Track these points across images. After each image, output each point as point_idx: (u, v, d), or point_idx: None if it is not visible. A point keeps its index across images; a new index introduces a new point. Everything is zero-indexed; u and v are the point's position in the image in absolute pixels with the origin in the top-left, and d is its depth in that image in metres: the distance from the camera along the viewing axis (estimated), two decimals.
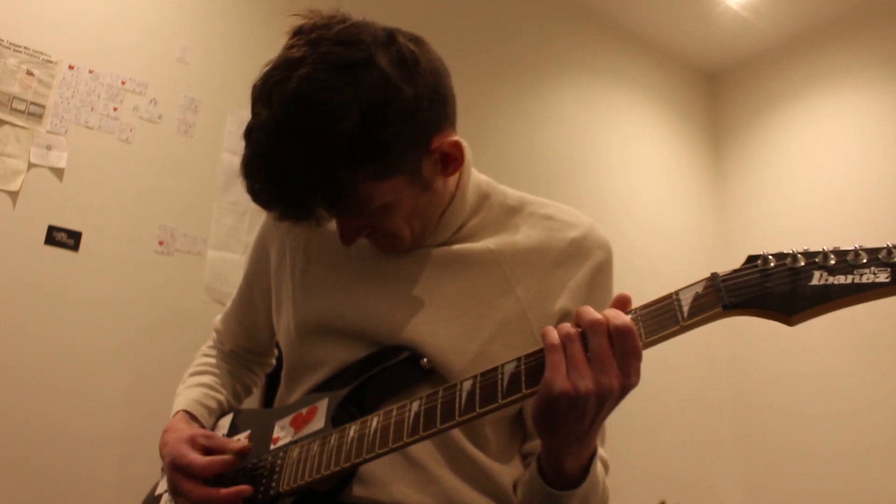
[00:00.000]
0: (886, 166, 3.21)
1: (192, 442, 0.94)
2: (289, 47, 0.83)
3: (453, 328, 0.93)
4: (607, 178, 3.52)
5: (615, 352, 0.69)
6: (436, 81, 0.87)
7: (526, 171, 3.22)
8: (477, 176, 1.03)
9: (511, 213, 1.01)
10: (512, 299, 0.95)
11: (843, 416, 3.10)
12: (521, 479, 0.92)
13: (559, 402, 0.70)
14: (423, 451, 0.89)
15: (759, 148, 3.78)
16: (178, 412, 1.06)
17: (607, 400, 0.69)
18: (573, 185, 3.37)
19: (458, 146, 0.90)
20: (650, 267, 3.41)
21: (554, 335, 0.71)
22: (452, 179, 0.98)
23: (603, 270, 0.99)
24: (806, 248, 0.65)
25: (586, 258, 0.98)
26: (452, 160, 0.91)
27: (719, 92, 4.06)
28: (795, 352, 3.30)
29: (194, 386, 1.12)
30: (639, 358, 0.69)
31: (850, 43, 3.47)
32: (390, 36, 0.84)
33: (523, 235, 0.98)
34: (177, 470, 0.92)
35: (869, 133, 3.31)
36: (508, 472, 0.95)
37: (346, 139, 0.79)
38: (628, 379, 0.69)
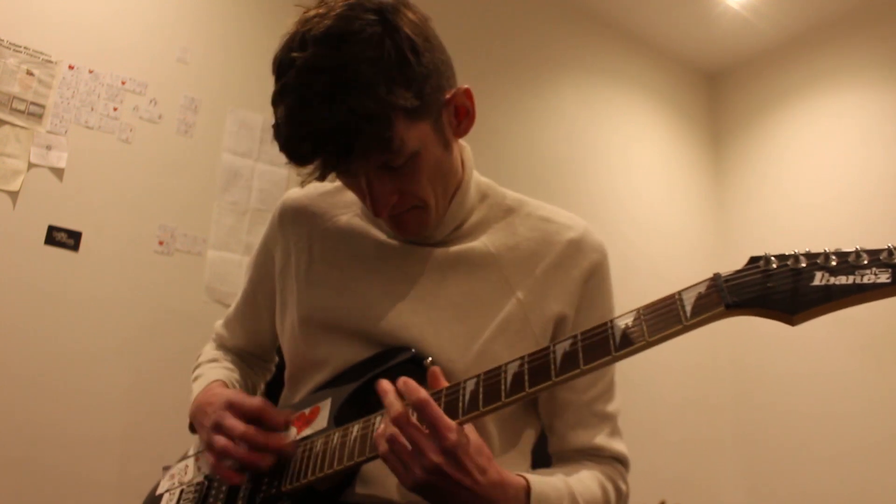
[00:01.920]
0: (886, 166, 3.21)
1: (232, 406, 0.93)
2: (306, 17, 0.85)
3: (455, 328, 0.93)
4: (607, 179, 3.52)
5: (424, 426, 0.75)
6: (441, 43, 0.92)
7: (526, 171, 3.22)
8: (477, 176, 1.04)
9: (509, 214, 1.03)
10: (513, 301, 0.96)
11: (843, 416, 3.10)
12: None
13: (419, 492, 0.76)
14: None
15: (759, 148, 3.78)
16: (213, 381, 1.06)
17: (444, 471, 0.74)
18: (573, 185, 3.38)
19: (469, 95, 0.94)
20: (650, 267, 3.41)
21: (382, 446, 0.77)
22: (458, 164, 0.99)
23: (598, 272, 1.00)
24: (808, 249, 0.65)
25: (583, 259, 0.99)
26: (464, 113, 0.94)
27: (719, 92, 4.06)
28: (796, 352, 3.30)
29: (219, 367, 1.12)
30: (442, 421, 0.74)
31: (850, 43, 3.47)
32: (402, 1, 0.89)
33: (522, 238, 1.00)
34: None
35: (869, 133, 3.31)
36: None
37: (384, 64, 0.82)
38: (443, 442, 0.73)
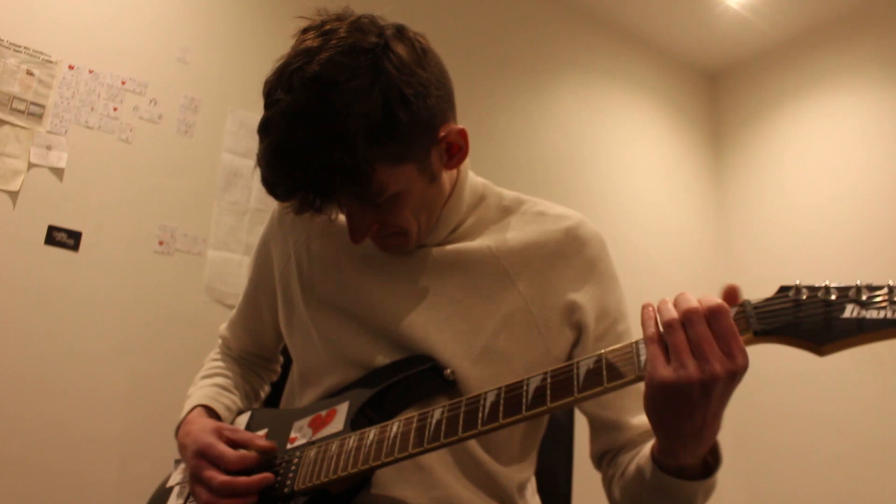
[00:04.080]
0: (887, 166, 3.21)
1: (219, 433, 0.93)
2: (301, 41, 0.85)
3: (458, 325, 0.94)
4: (607, 179, 3.52)
5: (715, 336, 0.66)
6: (441, 72, 0.91)
7: (526, 171, 3.22)
8: (473, 178, 1.04)
9: (506, 213, 1.03)
10: (514, 294, 0.96)
11: (843, 416, 3.10)
12: (626, 474, 0.88)
13: (662, 393, 0.67)
14: (432, 455, 0.89)
15: (759, 148, 3.77)
16: (196, 407, 1.05)
17: (713, 388, 0.65)
18: (573, 185, 3.38)
19: (463, 135, 0.93)
20: (650, 267, 3.41)
21: (651, 327, 0.69)
22: (450, 178, 0.99)
23: (602, 258, 1.00)
24: (839, 283, 0.66)
25: (582, 246, 0.99)
26: (457, 150, 0.93)
27: (719, 92, 4.06)
28: (796, 352, 3.29)
29: (208, 386, 1.11)
30: (737, 337, 0.66)
31: (850, 43, 3.47)
32: (400, 27, 0.88)
33: (520, 232, 1.00)
34: (203, 458, 0.90)
35: (869, 133, 3.31)
36: (514, 476, 0.96)
37: (368, 118, 0.81)
38: (734, 361, 0.65)
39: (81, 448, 2.12)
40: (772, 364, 3.42)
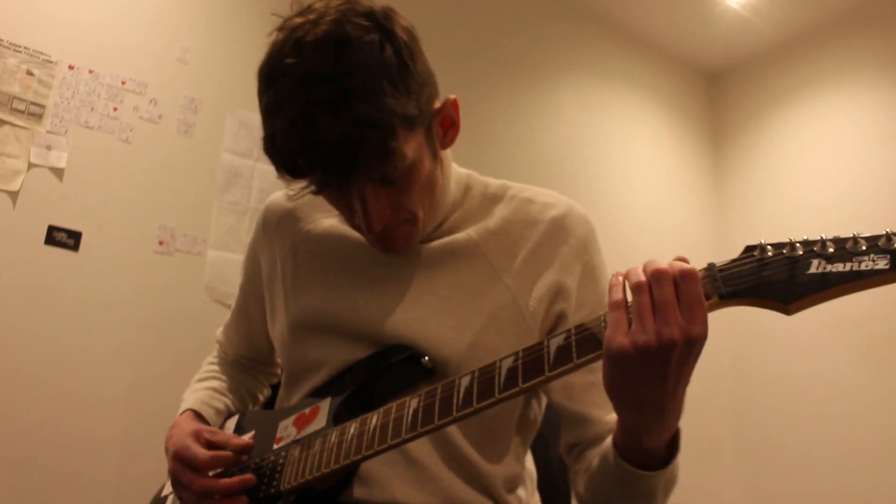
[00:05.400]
0: (886, 166, 3.21)
1: (197, 436, 0.94)
2: (290, 25, 0.82)
3: (445, 321, 0.93)
4: (607, 178, 3.52)
5: (680, 300, 0.64)
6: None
7: (526, 171, 3.22)
8: (457, 170, 1.03)
9: (493, 202, 1.02)
10: (500, 288, 0.95)
11: (843, 416, 3.10)
12: (590, 468, 0.88)
13: (619, 360, 0.65)
14: (423, 450, 0.90)
15: (758, 148, 3.78)
16: (185, 411, 1.06)
17: (671, 354, 0.63)
18: (573, 185, 3.38)
19: (456, 106, 0.93)
20: None
21: (618, 293, 0.67)
22: (440, 167, 0.98)
23: (589, 246, 0.98)
24: (804, 237, 0.63)
25: (568, 234, 0.97)
26: (450, 124, 0.93)
27: (719, 92, 4.06)
28: (796, 353, 3.30)
29: (201, 389, 1.12)
30: (702, 305, 0.63)
31: (850, 43, 3.47)
32: (386, 6, 0.87)
33: (505, 222, 0.99)
34: (179, 461, 0.91)
35: (869, 133, 3.31)
36: (502, 472, 0.96)
37: (388, 71, 0.80)
38: (693, 326, 0.63)
39: (81, 448, 2.12)
40: (772, 364, 3.42)
